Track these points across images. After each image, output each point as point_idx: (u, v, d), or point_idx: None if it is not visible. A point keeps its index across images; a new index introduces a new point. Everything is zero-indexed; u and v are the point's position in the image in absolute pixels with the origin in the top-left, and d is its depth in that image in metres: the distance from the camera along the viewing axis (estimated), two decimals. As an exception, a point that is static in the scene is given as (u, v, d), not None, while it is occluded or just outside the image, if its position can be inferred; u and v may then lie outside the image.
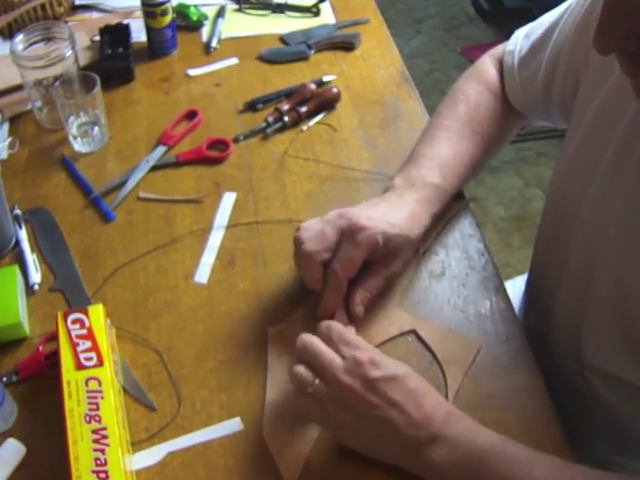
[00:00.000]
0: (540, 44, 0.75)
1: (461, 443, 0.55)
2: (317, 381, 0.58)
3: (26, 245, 0.79)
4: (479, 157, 0.77)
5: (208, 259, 0.78)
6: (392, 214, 0.68)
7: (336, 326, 0.61)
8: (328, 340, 0.60)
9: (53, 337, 0.67)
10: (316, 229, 0.67)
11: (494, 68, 0.83)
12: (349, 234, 0.66)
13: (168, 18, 1.04)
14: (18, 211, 0.83)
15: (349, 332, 0.62)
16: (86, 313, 0.66)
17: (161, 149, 0.91)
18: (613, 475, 0.53)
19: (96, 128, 0.92)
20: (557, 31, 0.72)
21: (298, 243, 0.67)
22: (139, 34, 1.09)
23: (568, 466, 0.54)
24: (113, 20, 1.12)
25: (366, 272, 0.69)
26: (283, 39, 1.11)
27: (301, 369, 0.59)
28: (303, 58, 1.07)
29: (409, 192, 0.71)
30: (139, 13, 1.08)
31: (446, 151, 0.75)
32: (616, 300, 0.62)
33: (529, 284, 0.86)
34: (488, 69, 0.83)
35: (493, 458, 0.53)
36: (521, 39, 0.79)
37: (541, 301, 0.77)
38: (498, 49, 0.84)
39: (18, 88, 0.98)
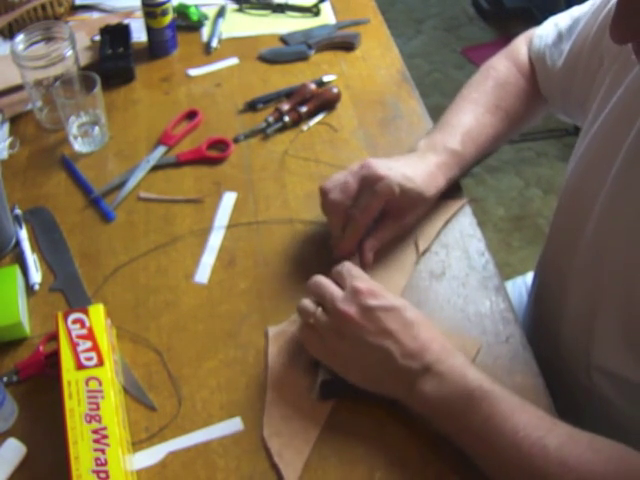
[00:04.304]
0: (565, 33, 0.78)
1: (451, 378, 0.57)
2: (319, 311, 0.63)
3: (26, 245, 0.79)
4: (501, 131, 0.81)
5: (208, 259, 0.78)
6: (411, 169, 0.73)
7: (347, 263, 0.66)
8: (339, 276, 0.65)
9: (53, 337, 0.67)
10: (340, 179, 0.72)
11: (527, 49, 0.86)
12: (369, 183, 0.70)
13: (168, 18, 1.04)
14: (18, 211, 0.83)
15: (356, 268, 0.65)
16: (86, 313, 0.66)
17: (161, 149, 0.91)
18: (586, 434, 0.55)
19: (96, 128, 0.92)
20: (582, 24, 0.74)
21: (324, 193, 0.72)
22: (139, 34, 1.09)
23: (549, 418, 0.56)
24: (113, 20, 1.12)
25: (378, 223, 0.74)
26: (283, 39, 1.11)
27: (306, 301, 0.65)
28: (303, 58, 1.07)
29: (429, 155, 0.76)
30: (139, 13, 1.08)
31: (470, 121, 0.79)
32: (626, 301, 0.62)
33: (536, 284, 0.86)
34: (521, 49, 0.86)
35: (479, 397, 0.55)
36: (551, 25, 0.82)
37: (550, 301, 0.78)
38: (532, 31, 0.87)
39: (18, 88, 0.98)
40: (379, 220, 0.74)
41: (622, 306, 0.63)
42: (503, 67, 0.84)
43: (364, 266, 0.73)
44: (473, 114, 0.79)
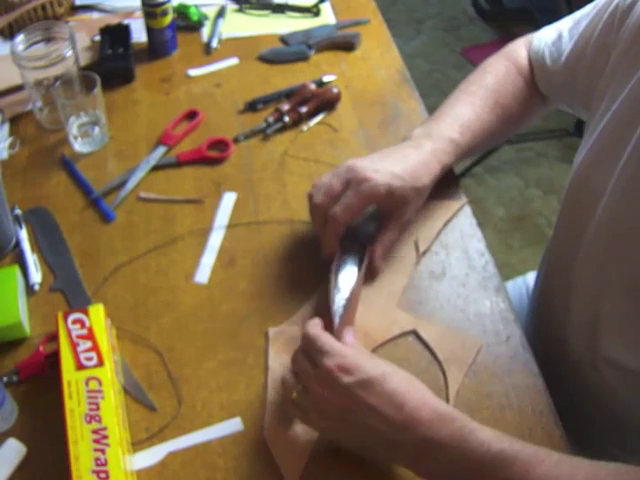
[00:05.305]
0: (567, 33, 0.78)
1: (455, 448, 0.52)
2: (299, 388, 0.59)
3: (26, 245, 0.79)
4: (497, 127, 0.81)
5: (208, 259, 0.78)
6: (400, 165, 0.72)
7: (309, 334, 0.60)
8: (304, 350, 0.60)
9: (53, 337, 0.67)
10: (325, 182, 0.72)
11: (525, 50, 0.86)
12: (354, 184, 0.70)
13: (168, 18, 1.04)
14: (18, 211, 0.83)
15: (323, 338, 0.59)
16: (86, 313, 0.66)
17: (161, 149, 0.91)
18: (610, 465, 0.52)
19: (96, 128, 0.92)
20: (585, 23, 0.75)
21: (309, 197, 0.73)
22: (139, 34, 1.09)
23: (566, 460, 0.53)
24: (113, 20, 1.12)
25: (381, 226, 0.74)
26: (283, 39, 1.11)
27: (287, 376, 0.60)
28: (303, 58, 1.07)
29: (425, 142, 0.75)
30: (139, 13, 1.08)
31: (468, 113, 0.79)
32: (635, 291, 0.62)
33: (540, 282, 0.86)
34: (519, 50, 0.87)
35: (491, 460, 0.51)
36: (552, 28, 0.83)
37: (554, 297, 0.78)
38: (531, 35, 0.87)
39: (18, 88, 0.98)
40: (381, 224, 0.74)
41: (631, 294, 0.62)
42: (502, 66, 0.84)
43: (374, 274, 0.74)
44: (472, 106, 0.79)
